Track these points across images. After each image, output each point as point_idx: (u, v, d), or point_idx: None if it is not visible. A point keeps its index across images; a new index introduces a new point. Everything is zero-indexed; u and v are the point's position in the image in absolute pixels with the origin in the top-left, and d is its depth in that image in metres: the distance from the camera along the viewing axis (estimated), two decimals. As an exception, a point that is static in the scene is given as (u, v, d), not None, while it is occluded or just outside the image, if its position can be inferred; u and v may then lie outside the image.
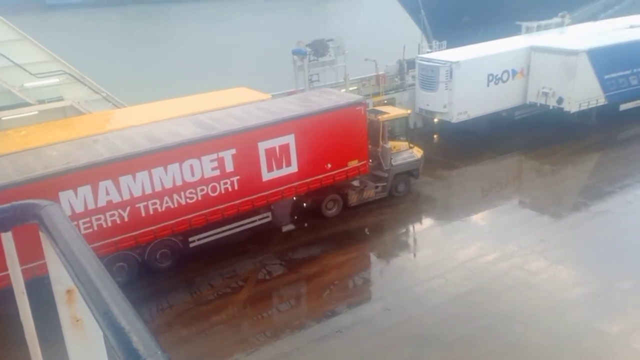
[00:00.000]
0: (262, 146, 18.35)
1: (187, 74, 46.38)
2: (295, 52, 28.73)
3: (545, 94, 28.31)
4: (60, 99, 22.35)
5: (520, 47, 29.38)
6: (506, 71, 28.36)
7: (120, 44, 69.75)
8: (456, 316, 15.13)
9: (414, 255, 19.14)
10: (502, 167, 25.39)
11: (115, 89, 25.53)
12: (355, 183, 21.75)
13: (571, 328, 14.29)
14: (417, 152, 22.90)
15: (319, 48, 28.74)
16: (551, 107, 28.38)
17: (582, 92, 27.78)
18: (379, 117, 21.93)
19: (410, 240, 19.87)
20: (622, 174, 23.44)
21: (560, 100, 27.93)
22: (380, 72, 31.59)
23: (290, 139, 18.85)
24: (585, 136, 28.11)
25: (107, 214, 16.01)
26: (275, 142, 18.58)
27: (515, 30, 36.20)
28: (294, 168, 19.14)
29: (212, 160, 17.39)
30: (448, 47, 33.29)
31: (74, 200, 15.41)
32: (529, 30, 36.28)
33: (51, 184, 14.94)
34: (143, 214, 16.60)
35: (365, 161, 20.99)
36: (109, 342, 1.34)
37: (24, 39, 21.74)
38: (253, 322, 15.71)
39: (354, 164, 20.64)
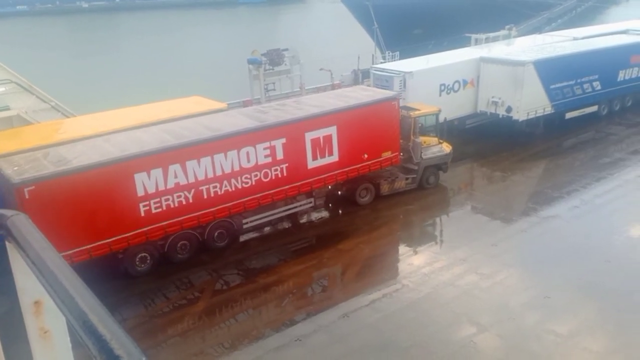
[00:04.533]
0: (309, 136, 19.98)
1: (138, 84, 45.62)
2: (250, 61, 28.70)
3: (495, 103, 29.13)
4: (7, 108, 21.63)
5: (470, 58, 30.19)
6: (457, 81, 29.04)
7: (68, 53, 68.01)
8: (412, 321, 15.31)
9: (370, 260, 19.30)
10: (454, 174, 25.91)
11: (64, 98, 24.87)
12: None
13: (524, 330, 14.68)
14: (446, 147, 23.84)
15: (274, 57, 28.81)
16: (501, 116, 29.20)
17: (530, 102, 28.70)
18: (411, 113, 22.85)
19: (366, 247, 20.03)
20: (568, 180, 24.29)
21: (509, 109, 28.78)
22: (336, 82, 31.94)
23: (333, 130, 20.47)
24: (534, 144, 29.03)
25: (175, 195, 17.53)
26: (320, 133, 20.22)
27: (464, 42, 37.23)
28: (335, 157, 20.76)
29: (265, 148, 19.01)
30: (401, 57, 33.92)
31: (147, 181, 16.90)
32: (478, 42, 37.37)
33: (128, 166, 16.49)
34: (205, 196, 18.15)
35: (397, 153, 22.47)
36: (90, 352, 1.32)
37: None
38: (210, 333, 15.48)
39: (387, 155, 22.14)
